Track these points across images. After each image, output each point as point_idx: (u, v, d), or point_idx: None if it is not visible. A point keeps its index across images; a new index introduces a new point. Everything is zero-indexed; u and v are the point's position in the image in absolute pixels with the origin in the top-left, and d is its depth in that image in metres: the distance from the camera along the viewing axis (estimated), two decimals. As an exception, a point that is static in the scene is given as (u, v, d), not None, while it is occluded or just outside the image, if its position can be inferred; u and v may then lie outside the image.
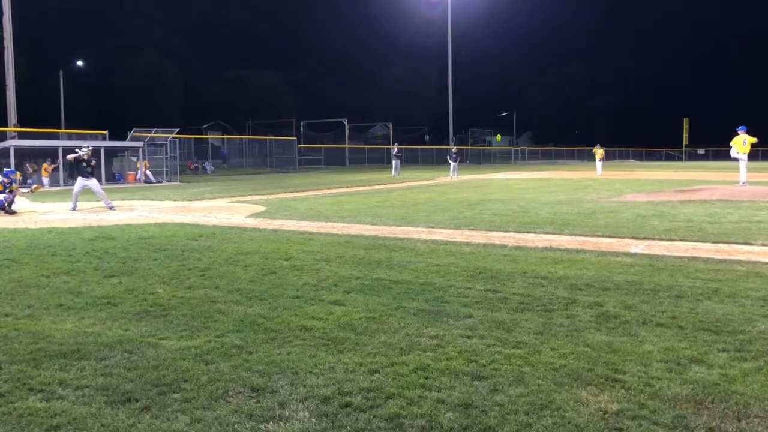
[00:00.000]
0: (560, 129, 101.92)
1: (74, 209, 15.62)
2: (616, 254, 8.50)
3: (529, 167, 55.90)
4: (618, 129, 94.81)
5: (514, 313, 5.61)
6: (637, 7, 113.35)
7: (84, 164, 16.09)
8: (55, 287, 6.74)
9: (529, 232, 10.83)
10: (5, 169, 17.31)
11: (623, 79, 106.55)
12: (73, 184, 23.93)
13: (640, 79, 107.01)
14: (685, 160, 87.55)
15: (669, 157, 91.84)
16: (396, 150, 38.76)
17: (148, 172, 32.57)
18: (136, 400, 3.75)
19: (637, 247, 9.14)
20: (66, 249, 9.21)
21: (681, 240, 9.73)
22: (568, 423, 3.46)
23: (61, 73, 56.87)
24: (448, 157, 34.36)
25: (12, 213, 14.56)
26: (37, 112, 47.33)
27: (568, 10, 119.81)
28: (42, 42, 59.51)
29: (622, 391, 3.88)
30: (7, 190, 14.92)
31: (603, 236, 10.27)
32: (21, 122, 32.63)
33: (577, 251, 8.80)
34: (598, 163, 36.35)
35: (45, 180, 28.13)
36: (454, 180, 30.95)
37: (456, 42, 63.86)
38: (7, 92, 32.10)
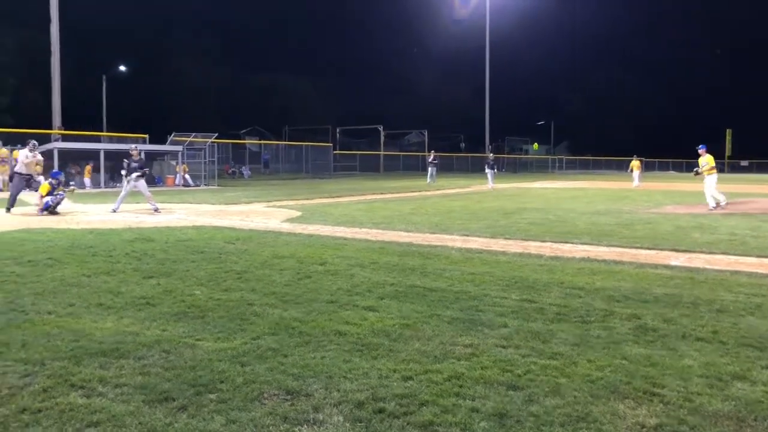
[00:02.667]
0: (598, 138, 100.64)
1: (115, 210, 15.82)
2: (655, 266, 8.35)
3: (567, 177, 55.35)
4: (658, 139, 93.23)
5: (551, 323, 5.54)
6: (679, 14, 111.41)
7: (133, 163, 16.22)
8: (96, 287, 6.88)
9: (566, 242, 10.70)
10: (52, 171, 17.77)
11: (664, 88, 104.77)
12: (114, 186, 24.45)
13: (682, 88, 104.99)
14: (728, 172, 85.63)
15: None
16: (432, 157, 38.64)
17: (187, 176, 33.08)
18: (173, 400, 3.80)
19: (677, 259, 8.97)
20: (106, 249, 9.40)
21: (723, 253, 9.52)
22: (605, 436, 3.40)
23: (104, 78, 58.17)
24: (485, 165, 34.03)
25: (55, 213, 14.92)
26: (80, 116, 48.43)
27: (608, 17, 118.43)
28: (86, 48, 60.89)
29: (661, 405, 3.80)
30: (54, 191, 15.30)
31: (642, 248, 10.11)
32: (65, 125, 33.44)
33: (615, 263, 8.66)
34: (635, 174, 35.65)
35: (87, 181, 28.79)
36: (489, 189, 30.70)
37: (493, 49, 63.64)
38: (53, 96, 32.95)
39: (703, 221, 14.24)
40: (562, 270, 8.06)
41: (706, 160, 17.88)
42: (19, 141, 17.07)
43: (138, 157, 16.59)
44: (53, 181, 15.48)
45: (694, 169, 19.04)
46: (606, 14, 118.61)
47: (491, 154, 37.23)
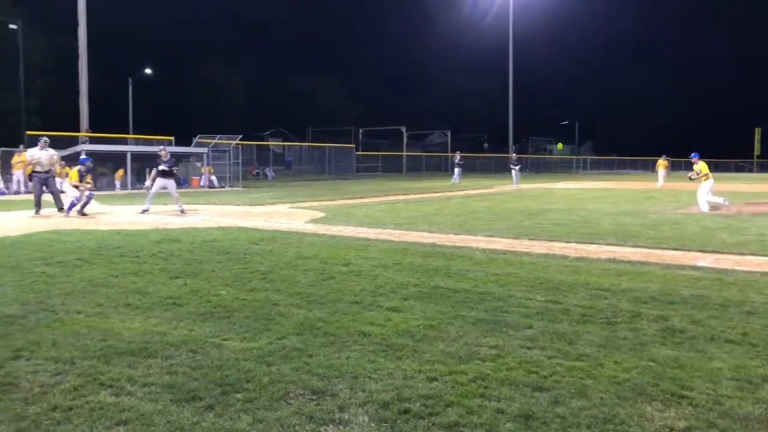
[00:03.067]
0: (623, 138, 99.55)
1: (145, 210, 16.00)
2: (682, 267, 8.24)
3: (591, 177, 54.85)
4: (684, 139, 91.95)
5: (576, 325, 5.51)
6: (704, 13, 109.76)
7: (163, 164, 16.44)
8: (124, 287, 6.97)
9: (591, 243, 10.62)
10: (81, 157, 18.01)
11: (690, 88, 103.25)
12: (140, 188, 24.73)
13: (708, 87, 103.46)
14: (757, 171, 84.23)
15: (739, 169, 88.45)
16: (458, 158, 38.44)
17: (212, 177, 33.37)
18: (201, 399, 3.84)
19: (705, 260, 8.85)
20: (133, 250, 9.52)
21: (752, 254, 9.38)
22: (633, 439, 3.37)
23: (130, 81, 58.94)
24: (510, 165, 33.78)
25: (84, 215, 15.14)
26: (107, 119, 49.13)
27: (634, 15, 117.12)
28: (113, 51, 61.78)
29: (690, 408, 3.76)
30: (83, 179, 15.53)
31: (668, 249, 9.99)
32: (92, 128, 33.93)
33: (642, 263, 8.57)
34: (660, 174, 35.00)
35: (118, 184, 29.33)
36: (514, 189, 30.47)
37: (517, 48, 63.31)
38: (81, 99, 33.45)
39: (732, 222, 14.03)
40: (587, 271, 7.99)
41: (699, 168, 18.05)
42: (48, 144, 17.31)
43: (166, 158, 16.72)
44: (82, 168, 15.75)
45: (688, 175, 19.24)
46: (632, 12, 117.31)
47: (515, 155, 36.87)
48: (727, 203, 17.53)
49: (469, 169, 57.58)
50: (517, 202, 21.06)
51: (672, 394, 3.96)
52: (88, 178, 15.91)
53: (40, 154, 16.18)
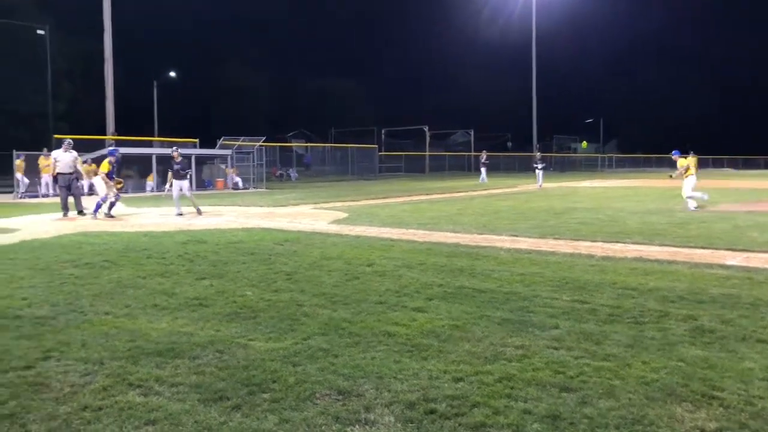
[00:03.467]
0: (649, 136, 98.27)
1: (179, 214, 16.06)
2: (711, 266, 8.12)
3: (617, 175, 54.30)
4: (712, 136, 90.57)
5: (603, 324, 5.45)
6: (730, 9, 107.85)
7: (176, 165, 16.41)
8: (151, 288, 7.05)
9: (617, 241, 10.51)
10: (110, 148, 18.33)
11: (718, 83, 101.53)
12: (167, 189, 24.94)
13: (734, 84, 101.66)
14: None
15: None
16: (484, 157, 38.12)
17: (237, 179, 33.61)
18: (228, 399, 3.87)
19: (734, 259, 8.71)
20: (160, 252, 9.63)
21: (783, 252, 9.21)
22: (662, 440, 3.33)
23: (155, 84, 59.62)
24: (533, 164, 33.45)
25: (111, 217, 15.35)
26: (132, 121, 49.74)
27: (658, 12, 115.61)
28: (138, 55, 62.54)
29: (721, 409, 3.70)
30: (113, 174, 15.78)
31: (696, 247, 9.85)
32: (118, 130, 34.36)
33: (669, 262, 8.46)
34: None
35: (149, 185, 29.89)
36: (537, 188, 30.23)
37: (540, 45, 62.86)
38: (107, 102, 33.90)
39: (761, 219, 13.79)
40: (613, 270, 7.91)
41: (680, 165, 18.09)
42: (75, 147, 17.57)
43: (178, 159, 16.58)
44: (112, 159, 16.09)
45: (669, 173, 19.35)
46: (658, 9, 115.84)
47: (538, 154, 36.47)
48: (706, 197, 17.48)
49: (492, 168, 57.25)
50: (542, 201, 20.91)
51: (702, 394, 3.90)
52: (118, 182, 16.15)
53: (63, 156, 16.48)
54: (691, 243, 10.26)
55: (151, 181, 29.97)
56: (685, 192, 17.55)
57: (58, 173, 16.61)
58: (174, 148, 17.33)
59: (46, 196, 26.49)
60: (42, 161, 27.18)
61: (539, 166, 32.52)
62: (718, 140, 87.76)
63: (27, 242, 10.79)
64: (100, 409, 3.73)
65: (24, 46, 41.37)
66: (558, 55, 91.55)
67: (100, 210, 15.60)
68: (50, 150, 25.93)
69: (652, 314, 5.75)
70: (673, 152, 18.98)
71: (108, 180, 15.82)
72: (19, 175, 26.47)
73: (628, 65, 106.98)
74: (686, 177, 17.62)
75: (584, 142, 62.50)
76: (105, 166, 15.97)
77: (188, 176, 16.86)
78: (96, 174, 17.88)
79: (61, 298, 6.57)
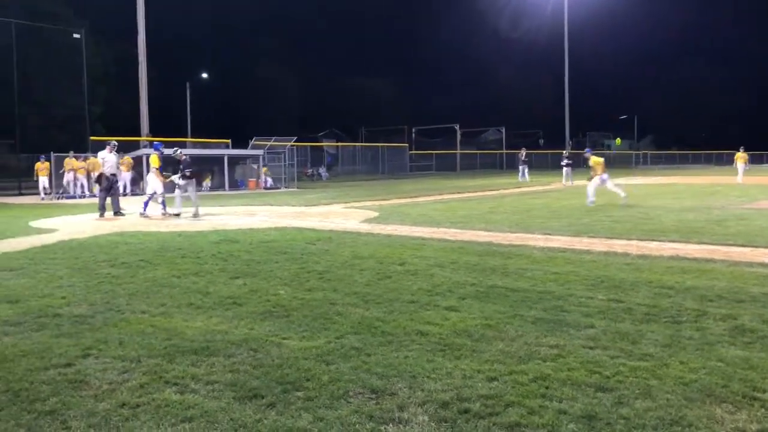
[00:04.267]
0: (685, 132, 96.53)
1: (176, 214, 15.85)
2: (750, 264, 7.95)
3: (652, 172, 53.44)
4: (751, 131, 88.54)
5: (639, 324, 5.37)
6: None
7: (180, 165, 16.17)
8: (186, 287, 7.14)
9: (653, 240, 10.34)
10: (155, 143, 18.77)
11: (756, 77, 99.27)
12: (199, 189, 25.18)
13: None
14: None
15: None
16: (524, 155, 37.53)
17: (268, 178, 33.88)
18: (262, 397, 3.90)
19: (775, 257, 8.51)
20: (194, 251, 9.75)
21: (826, 250, 8.97)
22: (702, 441, 3.27)
23: (187, 85, 60.42)
24: (561, 162, 33.01)
25: (146, 216, 15.63)
26: (166, 123, 50.47)
27: (694, 5, 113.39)
28: (171, 57, 63.42)
29: (762, 410, 3.62)
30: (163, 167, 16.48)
31: (735, 245, 9.65)
32: (152, 132, 34.88)
33: (707, 261, 8.30)
34: (740, 167, 32.98)
35: (206, 185, 30.64)
36: (568, 186, 29.88)
37: (573, 41, 62.12)
38: (141, 104, 34.44)
39: (803, 216, 13.45)
40: (649, 269, 7.79)
41: (592, 163, 18.51)
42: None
43: (183, 158, 16.27)
44: (158, 153, 16.63)
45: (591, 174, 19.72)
46: (691, 3, 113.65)
47: (566, 151, 35.86)
48: (590, 201, 18.00)
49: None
50: (575, 199, 20.67)
51: (743, 395, 3.81)
52: (168, 179, 16.71)
53: (110, 157, 16.88)
54: (730, 241, 10.05)
55: (207, 183, 30.65)
56: (589, 187, 18.37)
57: (102, 174, 16.96)
58: (175, 149, 16.79)
59: (83, 196, 27.00)
60: (75, 163, 27.72)
61: (565, 162, 32.02)
62: (758, 135, 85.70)
63: (65, 242, 11.02)
64: (138, 406, 3.79)
65: (61, 51, 42.22)
66: (591, 50, 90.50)
67: (147, 208, 16.19)
68: (91, 152, 26.55)
69: (689, 313, 5.65)
70: (586, 150, 19.81)
71: (160, 174, 16.44)
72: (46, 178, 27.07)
73: (664, 60, 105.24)
74: (596, 175, 18.26)
75: (618, 139, 61.68)
76: (156, 161, 16.54)
77: (193, 177, 16.49)
78: (132, 167, 18.30)
79: (98, 297, 6.70)
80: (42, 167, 26.37)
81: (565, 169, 32.00)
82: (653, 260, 8.41)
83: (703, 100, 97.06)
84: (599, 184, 18.15)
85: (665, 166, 74.69)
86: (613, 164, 72.60)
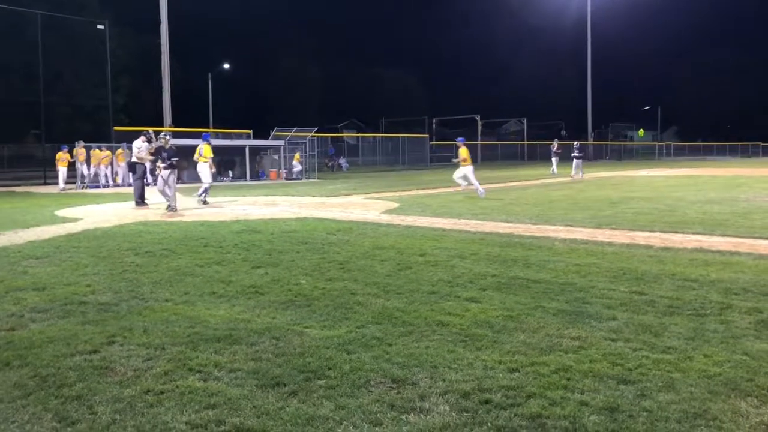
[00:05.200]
0: (710, 123, 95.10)
1: (172, 208, 14.76)
2: (777, 257, 7.83)
3: (675, 164, 52.79)
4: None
5: (662, 316, 5.32)
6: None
7: (164, 152, 15.14)
8: (208, 276, 7.21)
9: (676, 232, 10.23)
10: (204, 134, 19.28)
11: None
12: (223, 180, 25.30)
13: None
14: None
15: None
16: (556, 147, 36.00)
17: (298, 167, 33.72)
18: (284, 385, 3.93)
19: (802, 250, 8.38)
20: (216, 241, 9.83)
21: None
22: (726, 435, 3.24)
23: (209, 76, 60.73)
24: (572, 153, 32.05)
25: (206, 204, 16.25)
26: (188, 113, 50.82)
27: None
28: (193, 48, 63.84)
29: (788, 405, 3.57)
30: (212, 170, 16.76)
31: (761, 238, 9.51)
32: (174, 122, 35.15)
33: (731, 253, 8.20)
34: None
35: (230, 174, 30.99)
36: (576, 179, 29.14)
37: (595, 30, 61.42)
38: (164, 94, 34.70)
39: (831, 209, 13.22)
40: (673, 261, 7.71)
41: (460, 152, 19.10)
42: (133, 139, 18.21)
43: (170, 146, 15.31)
44: (209, 143, 17.07)
45: (453, 160, 20.49)
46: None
47: (576, 142, 34.50)
48: (462, 188, 18.87)
49: (547, 157, 56.48)
50: (597, 191, 20.51)
51: (768, 389, 3.77)
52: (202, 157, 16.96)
53: (145, 146, 17.11)
54: (756, 233, 9.91)
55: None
56: (457, 174, 19.24)
57: (135, 163, 17.16)
58: (163, 134, 15.71)
59: (106, 186, 27.30)
60: (95, 154, 27.99)
61: (575, 154, 31.09)
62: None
63: (90, 231, 11.17)
64: (162, 393, 3.84)
65: (85, 42, 42.68)
66: (615, 39, 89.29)
67: (204, 195, 16.77)
68: (86, 143, 26.73)
69: (713, 306, 5.59)
70: (458, 139, 20.64)
71: (213, 164, 16.90)
72: (78, 166, 27.36)
73: (689, 49, 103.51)
74: (464, 165, 18.87)
75: (641, 130, 60.98)
76: (209, 151, 16.89)
77: (177, 166, 15.41)
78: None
79: (123, 285, 6.78)
80: (63, 157, 26.46)
81: (574, 161, 31.12)
82: (676, 252, 8.32)
83: (729, 90, 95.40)
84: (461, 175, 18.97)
85: (689, 157, 73.73)
86: (636, 156, 71.89)
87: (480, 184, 18.73)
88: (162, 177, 15.00)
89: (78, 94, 47.03)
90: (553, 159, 35.35)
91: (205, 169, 16.88)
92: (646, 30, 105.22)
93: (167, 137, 15.45)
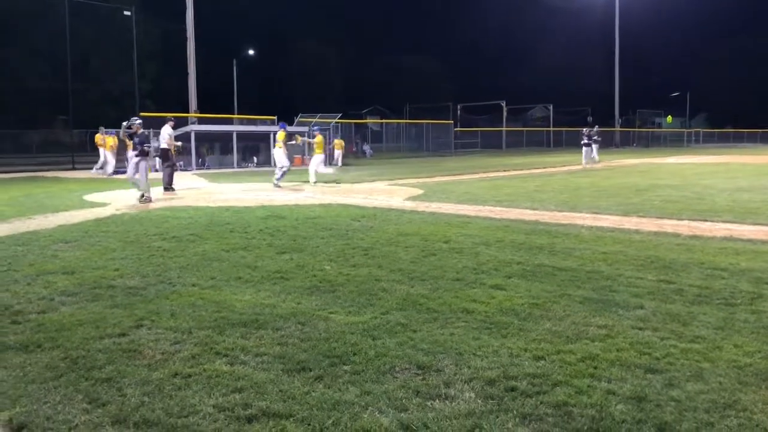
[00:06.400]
0: (741, 110, 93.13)
1: (147, 199, 13.79)
2: (810, 246, 7.68)
3: (704, 151, 51.92)
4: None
5: (691, 305, 5.25)
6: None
7: (135, 138, 14.15)
8: (234, 261, 7.27)
9: (705, 220, 10.08)
10: (281, 123, 20.57)
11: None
12: (246, 166, 25.46)
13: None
14: None
15: None
16: (594, 133, 33.48)
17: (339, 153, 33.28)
18: (310, 370, 3.95)
19: (835, 239, 8.20)
20: (242, 226, 9.90)
21: None
22: (757, 426, 3.19)
23: (234, 62, 60.94)
24: (581, 141, 30.47)
25: (279, 187, 16.90)
26: (213, 99, 51.09)
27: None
28: (217, 34, 64.01)
29: (821, 396, 3.51)
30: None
31: (793, 226, 9.33)
32: (199, 108, 35.37)
33: (762, 242, 8.06)
34: None
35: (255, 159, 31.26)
36: (587, 167, 27.95)
37: (623, 14, 60.43)
38: (189, 81, 34.91)
39: None
40: (701, 249, 7.60)
41: (315, 141, 19.90)
42: (161, 125, 18.47)
43: (141, 132, 14.27)
44: (281, 131, 18.17)
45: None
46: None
47: (585, 129, 32.65)
48: (313, 182, 18.98)
49: (571, 143, 55.91)
50: (624, 178, 20.27)
51: (800, 381, 3.71)
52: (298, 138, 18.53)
53: (172, 133, 17.42)
54: (787, 222, 9.73)
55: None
56: (311, 167, 19.85)
57: (165, 149, 17.38)
58: (133, 118, 14.51)
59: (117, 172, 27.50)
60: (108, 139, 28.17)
61: (585, 141, 29.73)
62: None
63: (117, 216, 11.31)
64: (190, 376, 3.89)
65: (112, 28, 43.07)
66: (643, 24, 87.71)
67: (280, 177, 17.67)
68: (107, 129, 26.80)
69: (744, 296, 5.50)
70: (314, 127, 22.04)
71: (287, 149, 17.86)
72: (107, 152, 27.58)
73: (720, 33, 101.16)
74: (317, 153, 19.72)
75: (669, 116, 60.03)
76: (282, 136, 18.23)
77: (146, 154, 14.21)
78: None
79: (150, 269, 6.86)
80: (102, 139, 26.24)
81: (585, 148, 29.83)
82: (705, 241, 8.20)
83: (761, 75, 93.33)
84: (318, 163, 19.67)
85: (719, 144, 72.49)
86: (664, 143, 70.86)
87: (511, 170, 18.62)
88: (132, 164, 14.10)
89: (105, 80, 47.52)
90: (594, 146, 32.88)
91: (277, 153, 18.42)
92: (675, 14, 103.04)
93: (137, 122, 14.37)
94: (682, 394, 3.54)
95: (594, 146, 32.76)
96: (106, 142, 26.43)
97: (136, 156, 13.99)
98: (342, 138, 35.53)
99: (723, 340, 4.40)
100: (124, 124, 14.45)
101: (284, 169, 18.19)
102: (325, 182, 19.22)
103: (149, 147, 14.36)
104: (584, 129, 31.39)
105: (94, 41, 44.52)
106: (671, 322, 4.80)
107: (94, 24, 42.61)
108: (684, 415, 3.31)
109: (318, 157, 19.67)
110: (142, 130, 14.36)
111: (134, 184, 14.25)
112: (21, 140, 46.35)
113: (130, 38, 35.00)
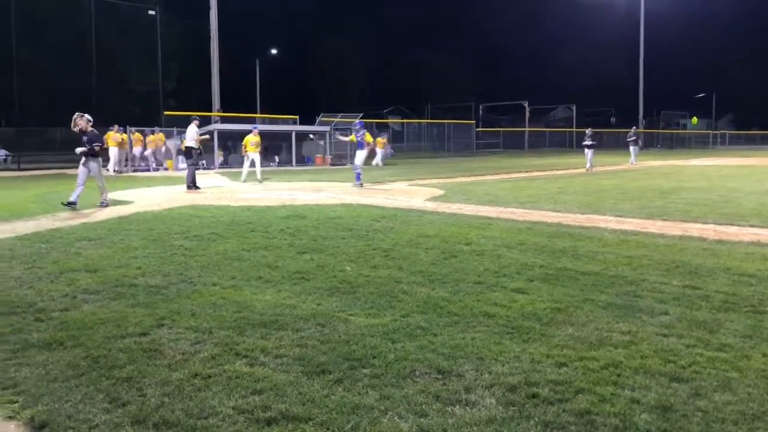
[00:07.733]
0: None
1: (71, 202, 12.14)
2: (840, 253, 7.50)
3: (730, 153, 51.18)
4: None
5: (717, 312, 5.15)
6: None
7: (84, 137, 12.50)
8: (255, 261, 7.27)
9: (731, 224, 9.91)
10: (358, 121, 20.77)
11: None
12: (268, 165, 25.65)
13: None
14: None
15: None
16: (632, 134, 33.23)
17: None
18: (330, 372, 3.93)
19: None
20: (263, 226, 9.92)
21: None
22: (786, 439, 3.11)
23: (257, 62, 61.28)
24: (583, 142, 29.20)
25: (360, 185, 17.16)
26: (236, 98, 51.37)
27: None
28: (239, 33, 64.39)
29: None
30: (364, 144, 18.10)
31: (822, 232, 9.13)
32: (222, 107, 35.58)
33: (791, 248, 7.89)
34: None
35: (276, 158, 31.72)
36: (592, 171, 26.28)
37: (648, 14, 59.73)
38: (212, 80, 35.15)
39: None
40: (728, 254, 7.46)
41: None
42: (184, 123, 18.66)
43: (90, 130, 12.53)
44: (350, 132, 17.97)
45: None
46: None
47: (588, 129, 30.78)
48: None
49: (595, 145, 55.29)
50: (648, 180, 20.03)
51: (832, 392, 3.61)
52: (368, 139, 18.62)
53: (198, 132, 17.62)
54: (817, 227, 9.53)
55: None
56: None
57: (190, 148, 17.55)
58: (78, 114, 12.60)
59: (149, 170, 27.77)
60: (149, 137, 28.46)
61: (587, 143, 28.16)
62: None
63: (140, 214, 11.40)
64: (210, 377, 3.88)
65: (137, 27, 43.54)
66: (668, 24, 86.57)
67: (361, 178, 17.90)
68: (121, 127, 26.88)
69: (772, 303, 5.38)
70: (252, 127, 22.33)
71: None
72: (137, 150, 27.87)
73: (746, 34, 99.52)
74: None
75: (694, 118, 59.28)
76: (368, 138, 18.74)
77: (96, 154, 12.65)
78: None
79: (171, 268, 6.89)
80: (115, 136, 25.76)
81: (586, 150, 28.08)
82: (732, 246, 8.05)
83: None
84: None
85: (745, 146, 71.40)
86: (689, 144, 69.93)
87: (533, 171, 18.46)
88: (82, 169, 12.53)
89: (129, 78, 48.00)
90: (633, 148, 32.50)
91: (358, 152, 18.67)
92: (701, 13, 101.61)
93: (85, 117, 12.53)
94: (709, 405, 3.46)
95: (632, 148, 31.96)
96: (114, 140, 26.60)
97: (85, 156, 12.46)
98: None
99: (751, 349, 4.31)
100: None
101: (356, 170, 18.31)
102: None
103: (99, 146, 12.59)
104: (587, 129, 30.14)
105: (119, 40, 45.00)
106: (697, 330, 4.71)
107: (119, 23, 43.07)
108: (711, 426, 3.23)
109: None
110: (91, 129, 12.55)
111: (100, 186, 12.89)
112: (46, 136, 46.94)
113: (155, 37, 35.35)
